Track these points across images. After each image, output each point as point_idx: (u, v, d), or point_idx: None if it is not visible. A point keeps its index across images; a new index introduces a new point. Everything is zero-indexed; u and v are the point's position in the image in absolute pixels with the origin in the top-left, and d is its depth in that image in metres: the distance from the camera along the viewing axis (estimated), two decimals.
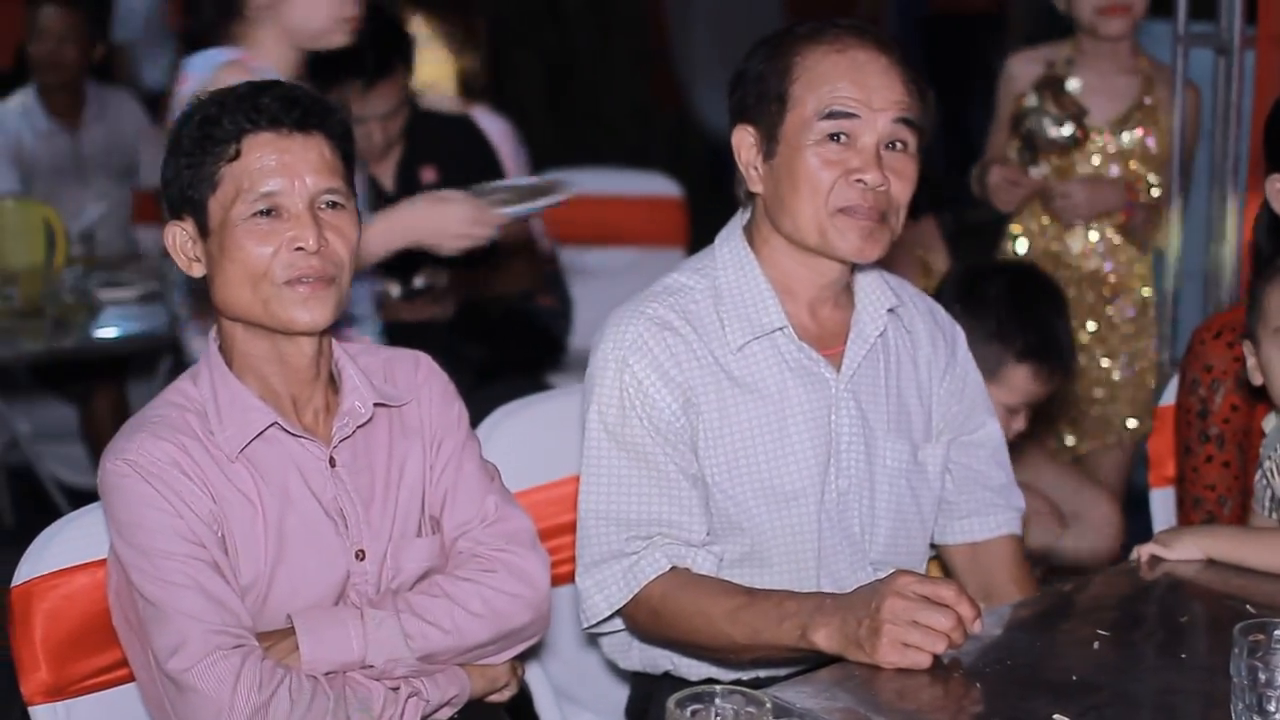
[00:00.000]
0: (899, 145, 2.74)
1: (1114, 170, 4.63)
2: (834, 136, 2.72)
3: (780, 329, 2.79)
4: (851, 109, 2.71)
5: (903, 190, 2.75)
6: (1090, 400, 4.70)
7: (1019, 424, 3.62)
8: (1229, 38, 4.37)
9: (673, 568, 2.73)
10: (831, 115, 2.71)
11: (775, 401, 2.79)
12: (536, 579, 2.68)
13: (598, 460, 2.78)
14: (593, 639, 2.99)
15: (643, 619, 2.77)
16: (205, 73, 3.38)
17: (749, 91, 2.81)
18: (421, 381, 2.73)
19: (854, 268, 2.86)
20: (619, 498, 2.76)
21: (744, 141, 2.82)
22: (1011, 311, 3.58)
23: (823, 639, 2.49)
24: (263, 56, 3.47)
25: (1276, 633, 2.24)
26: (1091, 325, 4.68)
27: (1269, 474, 2.90)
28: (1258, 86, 4.18)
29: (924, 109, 2.80)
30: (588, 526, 2.78)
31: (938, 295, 3.51)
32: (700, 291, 2.83)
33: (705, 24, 8.87)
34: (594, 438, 2.78)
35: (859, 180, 2.71)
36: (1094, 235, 4.65)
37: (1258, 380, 2.87)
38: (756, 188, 2.82)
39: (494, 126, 5.77)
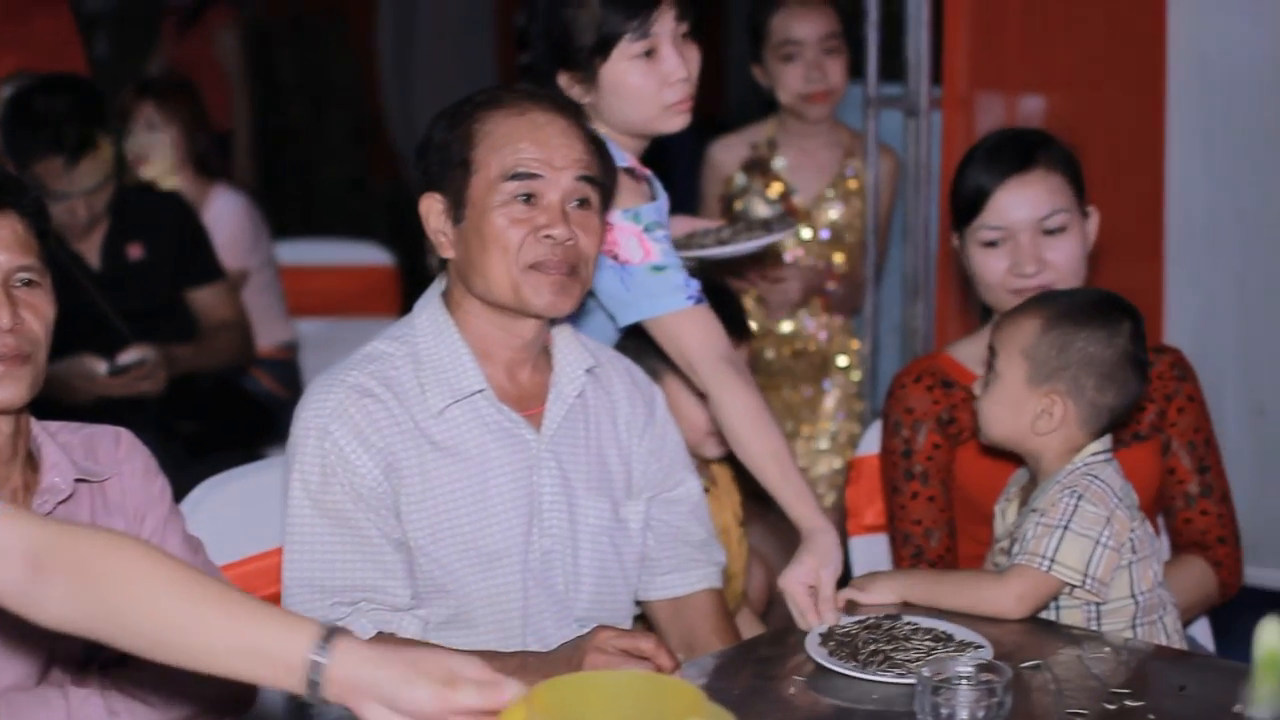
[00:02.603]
0: (583, 202, 2.82)
1: (824, 235, 4.77)
2: (520, 197, 2.78)
3: (479, 391, 2.83)
4: (534, 169, 2.78)
5: (590, 244, 2.82)
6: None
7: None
8: (916, 99, 4.51)
9: (378, 633, 2.72)
10: (516, 176, 2.78)
11: (476, 464, 2.82)
12: None
13: (300, 528, 2.78)
14: (303, 707, 2.98)
15: None
16: None
17: (433, 160, 2.86)
18: (123, 457, 2.71)
19: (551, 327, 2.92)
20: (323, 565, 2.76)
21: (432, 209, 2.86)
22: None
23: None
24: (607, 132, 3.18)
25: (957, 668, 2.34)
26: (808, 391, 4.81)
27: (996, 515, 3.01)
28: (945, 146, 4.30)
29: (607, 168, 2.89)
30: (292, 595, 2.77)
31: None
32: (400, 358, 2.86)
33: (421, 96, 8.91)
34: (297, 506, 2.78)
35: (547, 236, 2.77)
36: (804, 311, 4.78)
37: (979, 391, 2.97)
38: (448, 253, 2.87)
39: (232, 203, 5.75)
